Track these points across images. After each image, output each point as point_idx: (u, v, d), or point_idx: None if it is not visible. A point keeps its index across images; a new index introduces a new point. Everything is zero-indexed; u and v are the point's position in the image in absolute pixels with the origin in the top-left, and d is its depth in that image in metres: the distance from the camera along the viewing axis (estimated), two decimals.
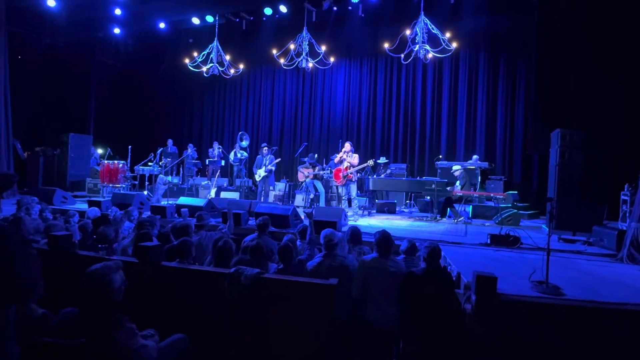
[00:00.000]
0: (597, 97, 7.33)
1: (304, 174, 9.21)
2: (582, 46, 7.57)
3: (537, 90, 8.54)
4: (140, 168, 10.14)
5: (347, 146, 8.11)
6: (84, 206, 7.72)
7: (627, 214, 6.39)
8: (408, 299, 3.12)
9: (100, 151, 12.00)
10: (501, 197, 8.24)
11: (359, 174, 8.58)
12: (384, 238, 3.36)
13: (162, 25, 11.99)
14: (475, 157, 9.70)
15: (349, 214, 7.30)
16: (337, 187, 9.18)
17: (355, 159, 8.02)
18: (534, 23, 8.65)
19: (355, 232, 4.23)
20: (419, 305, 3.05)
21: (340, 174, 8.04)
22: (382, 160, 10.22)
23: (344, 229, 5.41)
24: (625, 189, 6.62)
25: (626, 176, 6.89)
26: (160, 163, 10.50)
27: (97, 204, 7.02)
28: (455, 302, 3.15)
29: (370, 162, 8.05)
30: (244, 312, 2.83)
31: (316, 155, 9.86)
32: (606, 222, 6.21)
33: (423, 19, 8.52)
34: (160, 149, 10.91)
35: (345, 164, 7.99)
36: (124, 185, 9.70)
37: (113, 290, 2.08)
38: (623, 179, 6.82)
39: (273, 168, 9.12)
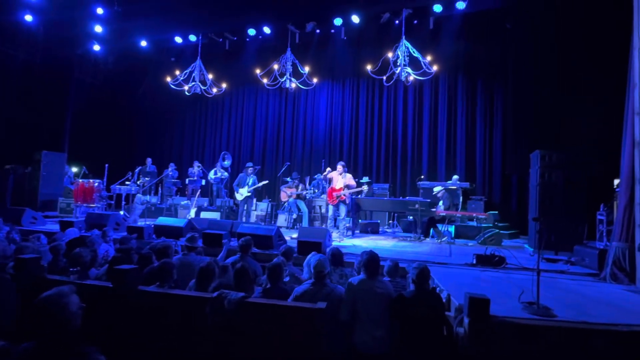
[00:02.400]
0: (573, 119, 7.57)
1: (286, 193, 9.19)
2: (556, 70, 7.87)
3: (514, 113, 8.79)
4: (117, 187, 9.93)
5: (339, 168, 8.07)
6: (55, 227, 7.42)
7: (604, 234, 6.53)
8: (398, 322, 3.05)
9: (74, 169, 11.68)
10: (483, 217, 8.34)
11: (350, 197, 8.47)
12: (372, 259, 3.29)
13: (143, 43, 11.89)
14: (455, 177, 9.73)
15: (334, 234, 7.24)
16: (320, 207, 9.25)
17: (351, 179, 8.01)
18: (509, 47, 8.96)
19: (336, 253, 4.14)
20: (409, 328, 2.98)
21: (334, 194, 7.99)
22: (365, 179, 10.24)
23: (328, 249, 5.35)
24: (601, 209, 6.78)
25: (602, 196, 7.06)
26: (138, 182, 10.35)
27: (69, 224, 6.78)
28: (447, 325, 3.08)
29: (365, 188, 8.14)
30: (228, 338, 2.68)
31: (299, 176, 9.88)
32: (586, 242, 6.30)
33: (404, 42, 8.74)
34: (139, 168, 10.75)
35: (339, 184, 7.95)
36: (98, 205, 9.42)
37: (69, 316, 1.92)
38: (599, 199, 6.98)
39: (259, 188, 9.01)
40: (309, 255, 3.48)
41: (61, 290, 1.97)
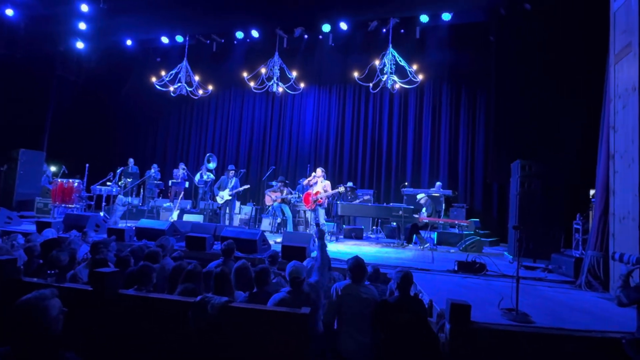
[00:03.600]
0: (553, 130, 7.75)
1: (271, 197, 9.11)
2: (538, 82, 8.04)
3: (496, 122, 8.99)
4: (97, 188, 9.75)
5: (319, 172, 8.08)
6: (31, 227, 7.24)
7: (580, 242, 6.69)
8: (382, 327, 3.06)
9: (53, 169, 11.43)
10: (465, 224, 8.48)
11: (327, 200, 8.53)
12: (358, 264, 3.32)
13: (129, 42, 11.73)
14: (438, 183, 9.93)
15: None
16: (305, 211, 9.18)
17: (328, 186, 8.05)
18: (492, 60, 9.20)
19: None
20: (393, 334, 2.99)
21: (310, 198, 7.98)
22: (350, 184, 10.30)
23: (313, 254, 5.33)
24: (577, 218, 6.96)
25: (578, 206, 7.27)
26: (120, 183, 10.18)
27: (46, 225, 6.62)
28: (429, 331, 3.11)
29: (341, 189, 8.06)
30: (210, 344, 2.66)
31: (287, 181, 9.83)
32: (563, 250, 6.46)
33: (391, 50, 8.87)
34: (121, 169, 10.55)
35: (317, 188, 7.96)
36: (77, 206, 9.22)
37: (49, 321, 1.85)
38: (576, 208, 7.18)
39: (240, 192, 8.94)
40: (287, 266, 3.37)
41: (42, 294, 1.91)
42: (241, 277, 3.40)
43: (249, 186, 9.30)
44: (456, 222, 8.57)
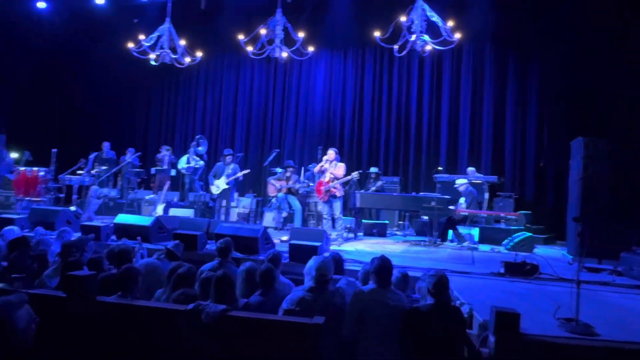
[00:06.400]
0: (625, 103, 7.65)
1: (275, 187, 9.19)
2: (607, 46, 7.93)
3: (553, 94, 8.89)
4: (67, 177, 9.85)
5: (331, 154, 8.05)
6: None
7: None
8: (411, 341, 3.10)
9: (14, 155, 11.55)
10: (513, 217, 8.47)
11: (344, 188, 8.51)
12: (384, 265, 3.35)
13: (99, 0, 11.72)
14: (471, 169, 9.83)
15: (331, 236, 7.28)
16: (316, 203, 9.24)
17: (340, 169, 7.93)
18: (551, 17, 9.05)
19: (337, 259, 4.24)
20: (425, 349, 3.02)
21: (322, 188, 7.99)
22: (374, 169, 10.24)
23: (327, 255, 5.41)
24: None
25: None
26: (94, 171, 10.22)
27: (8, 222, 6.71)
28: (469, 345, 3.14)
29: (356, 174, 8.06)
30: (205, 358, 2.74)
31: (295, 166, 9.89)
32: (635, 248, 6.34)
33: (421, 4, 8.70)
34: (94, 154, 10.54)
35: (328, 176, 7.93)
36: (44, 199, 9.42)
37: (17, 333, 1.89)
38: None
39: (240, 179, 9.01)
40: (310, 261, 3.47)
41: (7, 301, 1.95)
42: (251, 282, 3.54)
43: (249, 170, 9.32)
44: (502, 214, 8.57)
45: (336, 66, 12.07)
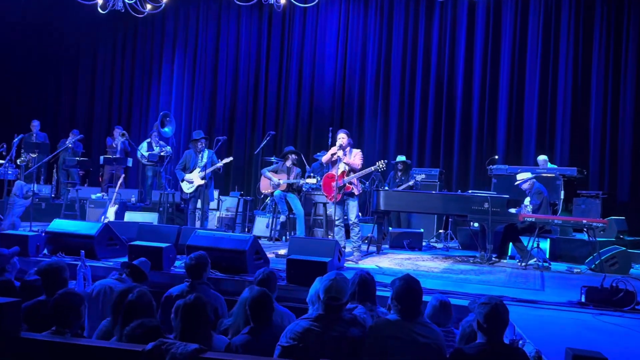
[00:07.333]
0: None
1: (271, 181, 8.91)
2: None
3: None
4: None
5: (343, 137, 7.62)
6: None
7: None
8: None
9: None
10: (600, 225, 7.80)
11: (362, 185, 8.31)
12: (410, 288, 3.26)
13: None
14: (542, 158, 9.61)
15: (346, 250, 7.20)
16: (325, 205, 8.99)
17: (357, 157, 7.57)
18: None
19: (368, 280, 3.99)
20: None
21: (334, 184, 7.46)
22: (401, 158, 10.04)
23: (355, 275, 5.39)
24: None
25: None
26: (19, 160, 10.31)
27: None
28: None
29: (381, 164, 7.58)
30: None
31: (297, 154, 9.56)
32: None
33: None
34: (19, 137, 10.27)
35: (342, 167, 7.43)
36: None
37: None
38: None
39: (220, 171, 8.75)
40: (315, 282, 3.48)
41: None
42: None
43: (232, 159, 9.15)
44: (584, 221, 7.82)
45: (353, 17, 11.68)
